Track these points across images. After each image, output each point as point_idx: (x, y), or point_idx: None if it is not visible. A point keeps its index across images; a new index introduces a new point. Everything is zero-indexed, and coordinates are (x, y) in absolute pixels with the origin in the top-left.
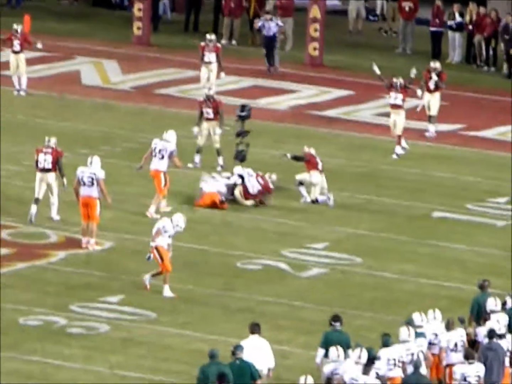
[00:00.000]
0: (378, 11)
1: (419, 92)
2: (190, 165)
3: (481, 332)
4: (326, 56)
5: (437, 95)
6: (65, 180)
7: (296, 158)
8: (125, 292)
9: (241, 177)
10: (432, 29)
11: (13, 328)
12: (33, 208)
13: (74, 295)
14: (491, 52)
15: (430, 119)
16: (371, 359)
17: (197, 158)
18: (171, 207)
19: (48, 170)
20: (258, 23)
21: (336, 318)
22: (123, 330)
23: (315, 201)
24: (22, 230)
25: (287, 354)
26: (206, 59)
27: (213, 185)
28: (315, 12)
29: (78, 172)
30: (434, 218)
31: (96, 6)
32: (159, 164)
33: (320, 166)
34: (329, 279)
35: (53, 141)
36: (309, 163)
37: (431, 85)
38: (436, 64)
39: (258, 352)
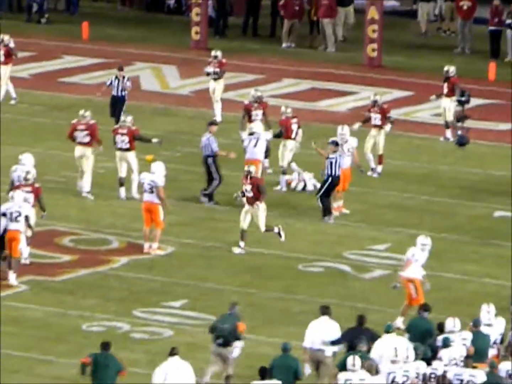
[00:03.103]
0: (436, 11)
1: None
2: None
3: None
4: (385, 57)
5: (382, 131)
6: (154, 139)
7: (276, 135)
8: (188, 297)
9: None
10: (491, 28)
11: (76, 335)
12: (122, 191)
13: (137, 301)
14: None
15: (378, 158)
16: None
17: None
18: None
19: (126, 150)
20: (107, 82)
21: (426, 307)
22: (186, 335)
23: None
24: (84, 236)
25: None
26: (211, 73)
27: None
28: (372, 13)
29: (141, 178)
30: (495, 218)
31: (154, 11)
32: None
33: (293, 134)
34: (391, 280)
35: (129, 119)
36: (286, 131)
37: (376, 121)
38: (376, 97)
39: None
